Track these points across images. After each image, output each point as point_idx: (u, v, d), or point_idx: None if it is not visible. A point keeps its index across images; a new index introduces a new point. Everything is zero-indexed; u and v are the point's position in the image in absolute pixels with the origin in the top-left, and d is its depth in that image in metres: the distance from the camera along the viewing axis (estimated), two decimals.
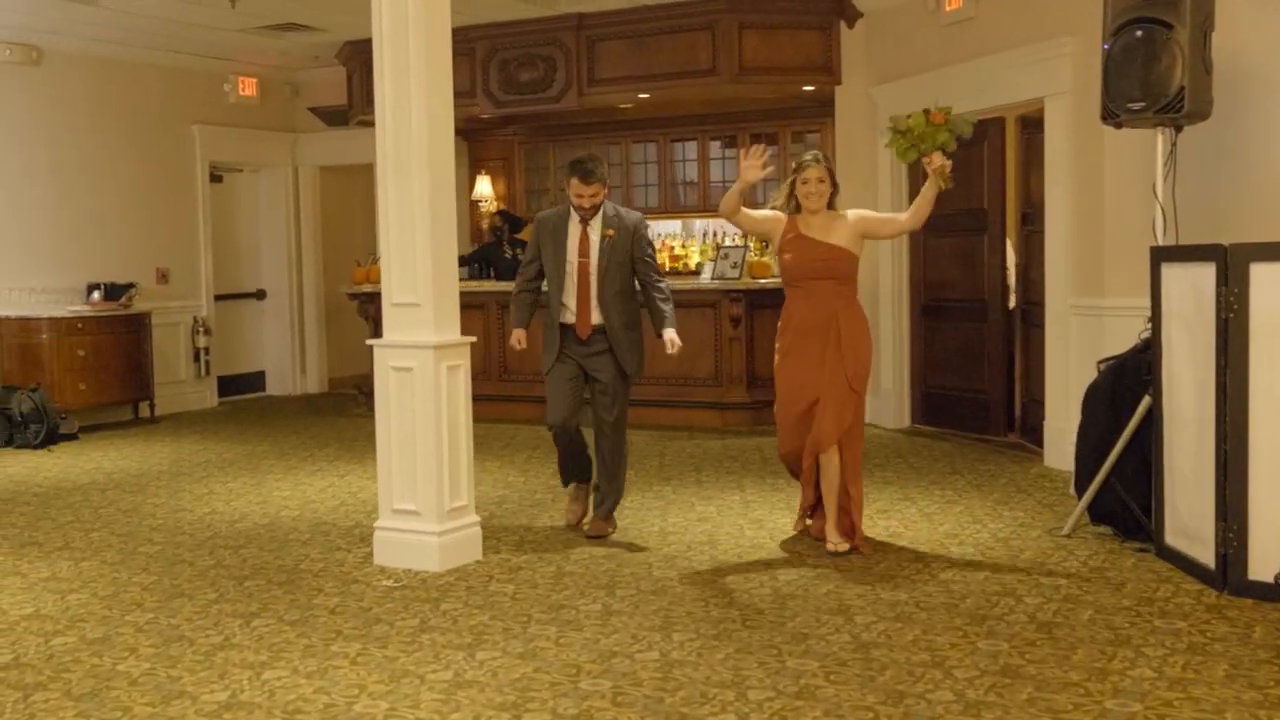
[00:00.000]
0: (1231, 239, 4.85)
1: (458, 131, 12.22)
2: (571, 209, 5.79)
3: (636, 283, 5.89)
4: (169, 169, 11.39)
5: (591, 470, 6.10)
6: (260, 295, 12.71)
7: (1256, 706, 3.57)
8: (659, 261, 6.27)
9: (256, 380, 12.79)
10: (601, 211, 5.78)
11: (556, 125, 11.77)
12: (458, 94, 10.28)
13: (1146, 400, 5.41)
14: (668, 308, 5.81)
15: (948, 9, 8.38)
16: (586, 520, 6.02)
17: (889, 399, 9.38)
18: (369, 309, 10.95)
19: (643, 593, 4.93)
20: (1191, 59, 5.40)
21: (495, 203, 12.63)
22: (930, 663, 4.00)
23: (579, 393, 5.82)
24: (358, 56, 11.08)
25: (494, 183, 12.73)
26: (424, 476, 5.35)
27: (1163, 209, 5.74)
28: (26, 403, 9.39)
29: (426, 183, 5.38)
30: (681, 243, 12.00)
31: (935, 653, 4.10)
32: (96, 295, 10.46)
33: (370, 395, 10.50)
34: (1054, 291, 7.56)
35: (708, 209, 11.34)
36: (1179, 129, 5.73)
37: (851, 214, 5.70)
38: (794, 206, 5.60)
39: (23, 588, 5.23)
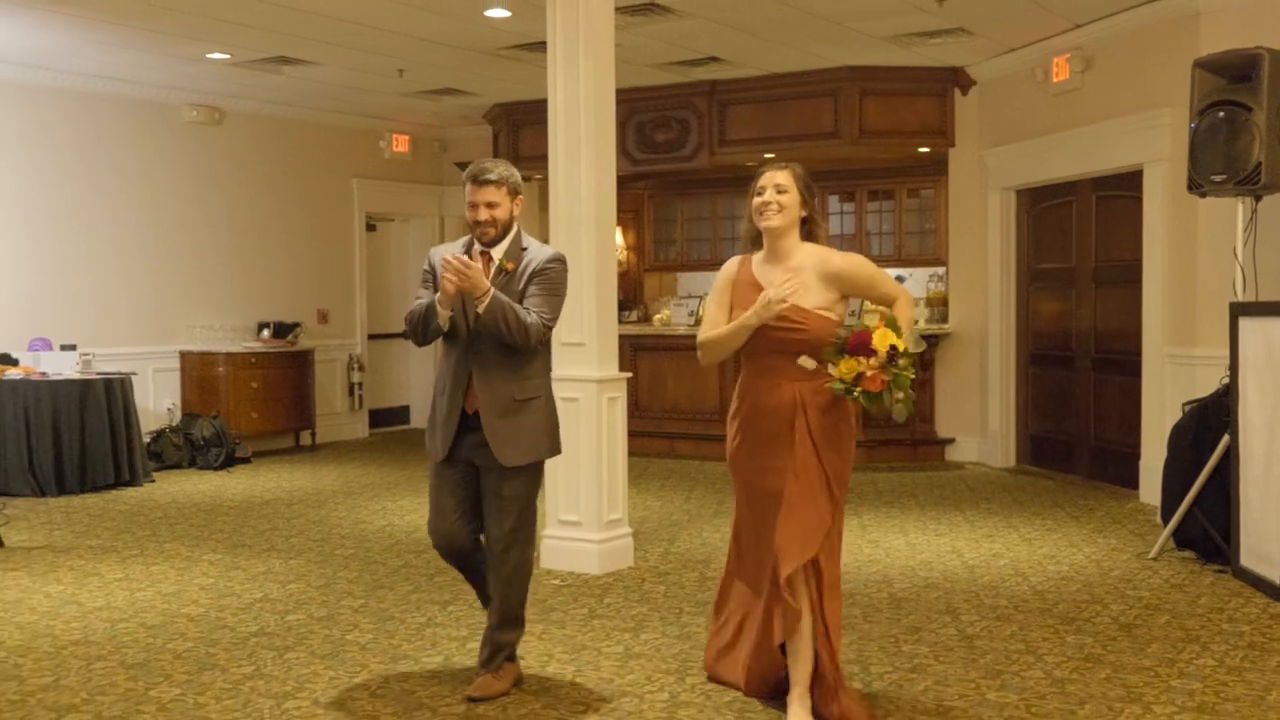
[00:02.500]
0: None
1: None
2: (476, 244, 4.26)
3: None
4: (330, 219, 12.56)
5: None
6: (407, 335, 13.79)
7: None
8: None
9: (403, 413, 13.85)
10: (510, 239, 4.24)
11: (685, 180, 12.67)
12: None
13: (1225, 439, 6.07)
14: (521, 314, 4.10)
15: (1055, 80, 9.10)
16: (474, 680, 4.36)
17: (996, 440, 10.05)
18: None
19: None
20: (1268, 137, 6.09)
21: (626, 252, 13.59)
22: (1024, 650, 4.74)
23: (469, 494, 4.29)
24: (504, 117, 12.14)
25: (624, 233, 13.68)
26: (586, 492, 6.23)
27: (1242, 269, 6.41)
28: (208, 428, 10.51)
29: (593, 239, 6.30)
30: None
31: (1029, 643, 4.83)
32: (266, 333, 11.60)
33: None
34: (1150, 342, 8.21)
35: None
36: (1259, 198, 6.41)
37: (838, 260, 3.97)
38: (756, 241, 4.09)
39: (248, 579, 6.20)
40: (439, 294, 4.10)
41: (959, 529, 7.32)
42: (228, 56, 9.57)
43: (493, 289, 4.08)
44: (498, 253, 4.24)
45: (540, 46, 9.14)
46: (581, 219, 6.33)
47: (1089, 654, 4.70)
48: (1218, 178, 6.26)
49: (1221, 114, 6.22)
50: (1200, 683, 4.33)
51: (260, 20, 8.35)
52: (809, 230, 4.02)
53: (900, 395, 3.74)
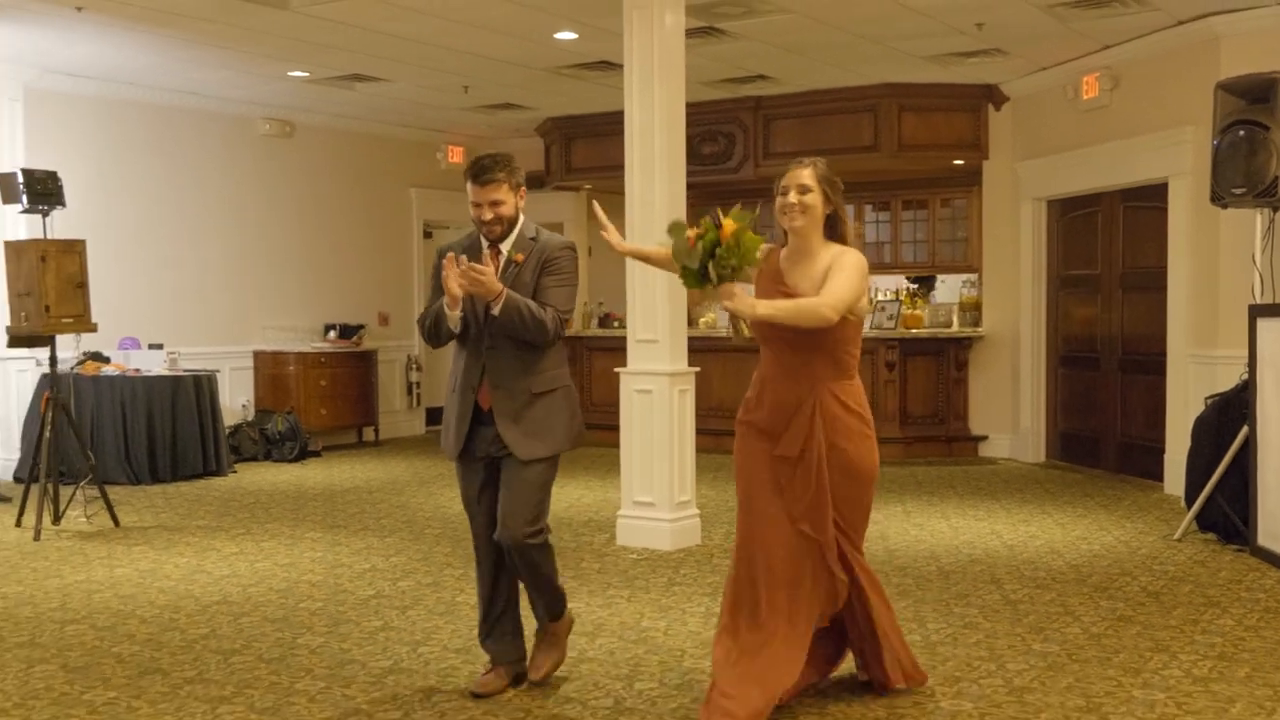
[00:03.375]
0: None
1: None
2: (483, 238, 4.28)
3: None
4: (390, 227, 13.23)
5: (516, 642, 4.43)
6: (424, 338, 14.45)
7: None
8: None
9: None
10: (518, 232, 4.26)
11: (727, 190, 13.27)
12: None
13: (1244, 430, 6.65)
14: (537, 311, 4.08)
15: (1085, 97, 9.68)
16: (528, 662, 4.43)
17: (1027, 437, 10.63)
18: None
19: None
20: None
21: None
22: (1063, 612, 5.33)
23: (495, 490, 4.26)
24: (557, 131, 12.78)
25: None
26: (659, 476, 6.85)
27: (1260, 274, 6.99)
28: (283, 423, 11.17)
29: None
30: None
31: (1067, 606, 5.43)
32: (333, 334, 12.27)
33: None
34: (1174, 343, 8.78)
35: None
36: (1276, 209, 6.98)
37: (851, 256, 3.96)
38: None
39: (352, 552, 6.84)
40: (446, 296, 4.05)
41: (996, 515, 7.90)
42: (307, 74, 10.24)
43: (505, 290, 4.02)
44: (506, 246, 4.22)
45: (599, 65, 9.87)
46: (654, 227, 6.94)
47: (1120, 615, 5.30)
48: (1238, 190, 6.84)
49: (1241, 132, 6.80)
50: (1220, 638, 4.92)
51: (344, 42, 9.01)
52: (835, 228, 4.01)
53: (702, 274, 3.71)
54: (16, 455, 9.77)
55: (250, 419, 11.43)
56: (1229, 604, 5.48)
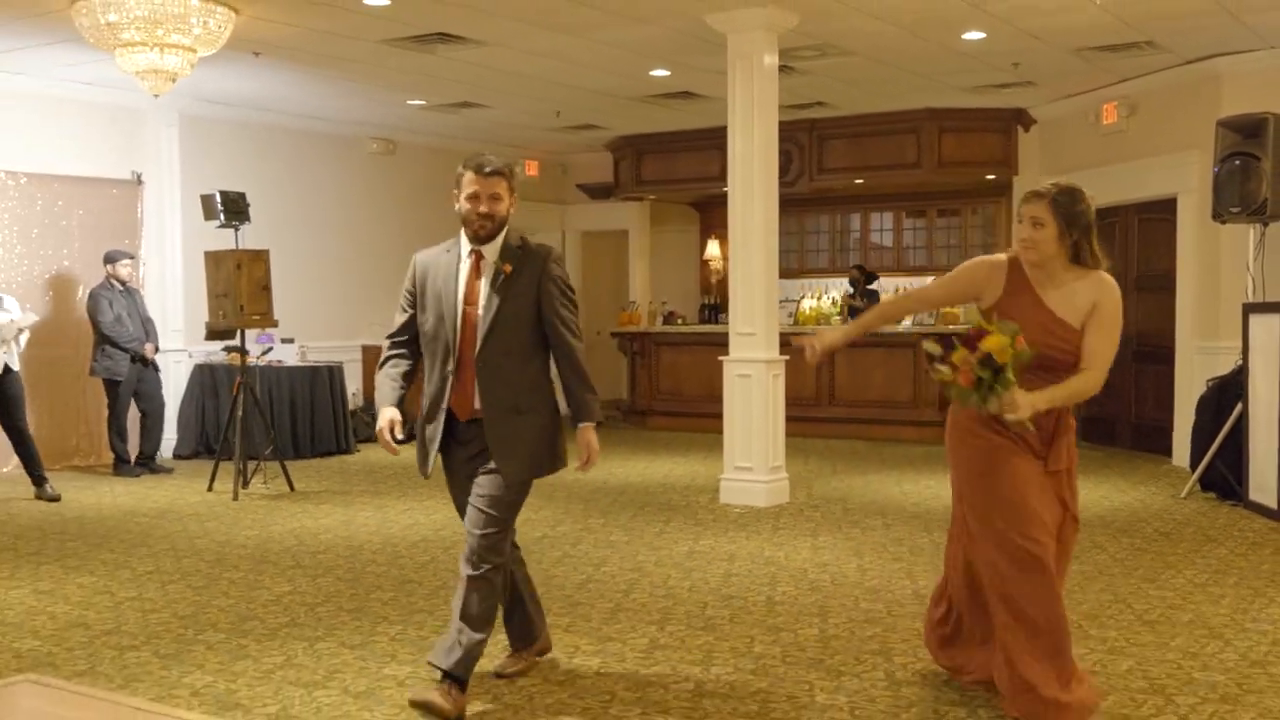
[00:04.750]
0: None
1: (690, 203, 15.52)
2: (462, 244, 4.15)
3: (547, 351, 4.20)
4: None
5: (534, 625, 4.58)
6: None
7: (1270, 576, 6.31)
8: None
9: None
10: (503, 240, 4.14)
11: (785, 201, 14.68)
12: (707, 180, 13.46)
13: (1239, 406, 8.11)
14: (588, 394, 4.16)
15: (1105, 122, 11.13)
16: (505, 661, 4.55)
17: None
18: (629, 344, 14.13)
19: (908, 518, 7.80)
20: (1273, 180, 8.13)
21: (724, 262, 15.69)
22: (1092, 547, 6.81)
23: None
24: (628, 146, 14.26)
25: (722, 246, 15.78)
26: (757, 445, 8.32)
27: (1252, 278, 8.46)
28: None
29: (762, 254, 8.38)
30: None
31: (1095, 542, 6.90)
32: None
33: (627, 414, 13.60)
34: (1182, 336, 10.23)
35: (900, 269, 14.21)
36: (1265, 225, 8.44)
37: (1113, 301, 4.04)
38: None
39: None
40: (379, 426, 4.10)
41: None
42: (424, 102, 11.73)
43: (592, 438, 4.15)
44: (490, 250, 4.09)
45: (682, 95, 11.34)
46: (754, 238, 8.41)
47: (1138, 548, 6.78)
48: (1235, 210, 8.31)
49: (1237, 162, 8.27)
50: (1216, 560, 6.40)
51: (468, 78, 10.48)
52: (1079, 255, 3.99)
53: (984, 399, 3.78)
54: (175, 435, 11.26)
55: (361, 405, 12.91)
56: (1224, 539, 6.95)
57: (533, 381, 4.12)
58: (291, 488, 9.17)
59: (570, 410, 4.19)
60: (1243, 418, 8.06)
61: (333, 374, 11.63)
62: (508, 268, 4.07)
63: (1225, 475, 8.24)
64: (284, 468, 9.31)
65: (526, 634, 4.54)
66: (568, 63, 9.93)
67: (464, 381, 4.07)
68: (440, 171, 14.18)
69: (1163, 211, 10.59)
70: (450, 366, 4.08)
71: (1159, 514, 7.88)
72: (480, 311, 4.05)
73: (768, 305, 8.46)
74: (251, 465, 9.25)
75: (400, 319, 4.27)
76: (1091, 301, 3.98)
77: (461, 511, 4.20)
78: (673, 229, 15.96)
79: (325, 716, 4.10)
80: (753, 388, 8.37)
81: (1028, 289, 4.02)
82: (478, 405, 4.07)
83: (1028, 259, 4.01)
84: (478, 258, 4.11)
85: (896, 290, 13.92)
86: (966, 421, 4.07)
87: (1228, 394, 8.36)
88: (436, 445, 4.12)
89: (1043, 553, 3.89)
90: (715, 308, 15.08)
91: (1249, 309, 8.12)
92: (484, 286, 4.06)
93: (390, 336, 4.30)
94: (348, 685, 4.44)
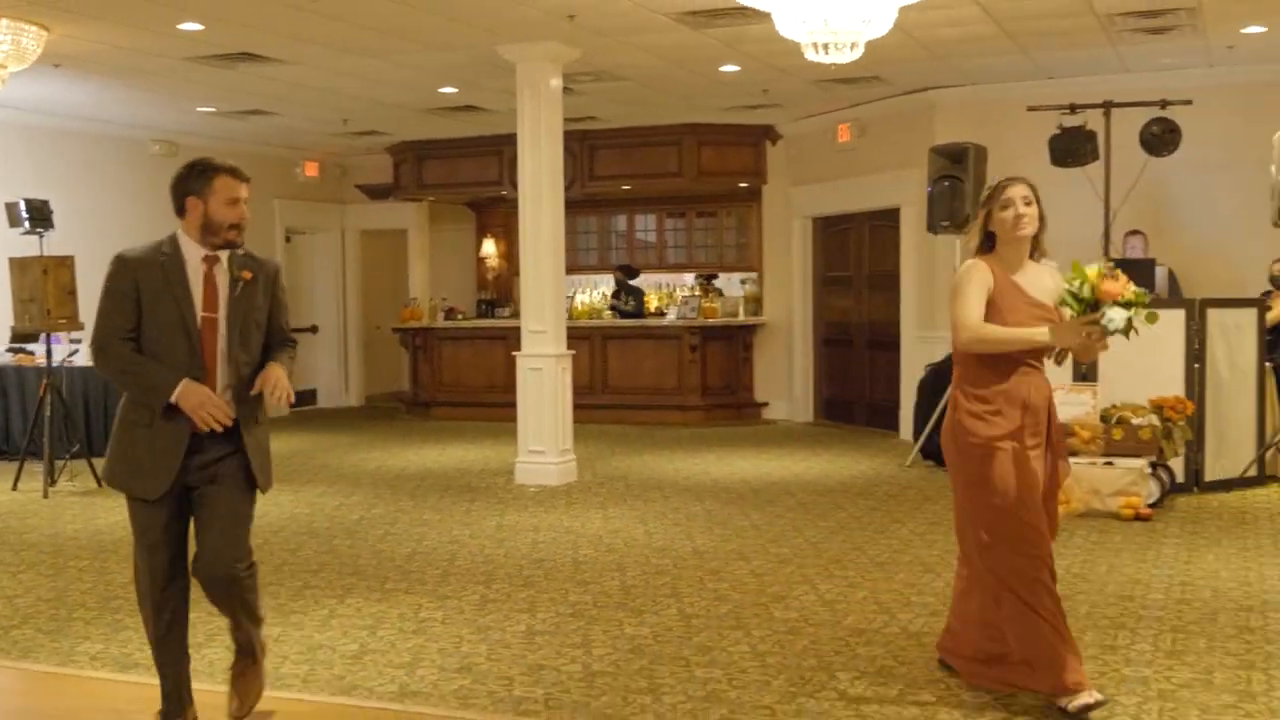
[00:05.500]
0: None
1: (466, 204, 16.40)
2: (183, 244, 3.99)
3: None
4: (258, 234, 15.13)
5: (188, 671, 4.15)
6: (314, 329, 16.46)
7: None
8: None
9: (309, 396, 16.51)
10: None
11: None
12: (485, 184, 14.40)
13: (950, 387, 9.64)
14: (289, 361, 4.11)
15: (840, 140, 12.64)
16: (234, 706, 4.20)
17: (799, 401, 13.60)
18: (411, 340, 14.94)
19: (682, 490, 8.99)
20: (973, 197, 9.68)
21: (498, 259, 16.65)
22: (836, 507, 8.16)
23: (185, 525, 4.01)
24: (409, 151, 15.02)
25: (496, 244, 16.74)
26: (548, 430, 9.36)
27: None
28: None
29: (549, 260, 9.41)
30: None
31: (838, 504, 8.26)
32: None
33: (410, 406, 14.41)
34: (906, 327, 11.84)
35: (662, 265, 15.49)
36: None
37: (1053, 267, 4.41)
38: (987, 245, 4.33)
39: (328, 499, 9.07)
40: (180, 391, 3.81)
41: (782, 457, 10.75)
42: (214, 109, 12.21)
43: (279, 373, 3.97)
44: (223, 262, 3.98)
45: (465, 109, 12.23)
46: (542, 244, 9.42)
47: (871, 507, 8.17)
48: (944, 223, 9.85)
49: (946, 184, 9.81)
50: (932, 515, 7.85)
51: (265, 90, 11.07)
52: (1038, 241, 4.32)
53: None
54: None
55: None
56: (939, 499, 8.42)
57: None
58: (99, 484, 9.63)
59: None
60: None
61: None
62: (247, 275, 3.99)
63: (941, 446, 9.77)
64: (91, 465, 9.75)
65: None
66: (365, 81, 10.68)
67: (209, 388, 3.87)
68: None
69: (889, 220, 12.18)
70: (191, 375, 3.85)
71: (888, 480, 9.35)
72: (221, 319, 3.92)
73: (556, 305, 9.50)
74: (58, 464, 9.67)
75: (125, 320, 3.89)
76: (1055, 284, 4.26)
77: (156, 538, 3.92)
78: (450, 228, 16.78)
79: (218, 669, 4.90)
80: (544, 379, 9.40)
81: (1009, 282, 4.26)
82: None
83: (1025, 232, 4.24)
84: (214, 261, 3.97)
85: (670, 291, 15.20)
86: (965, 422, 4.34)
87: (942, 377, 9.89)
88: (179, 459, 3.85)
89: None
90: (492, 303, 16.04)
91: None
92: (223, 293, 3.94)
93: (119, 335, 3.89)
94: (229, 644, 5.23)
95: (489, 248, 16.73)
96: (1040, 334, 4.14)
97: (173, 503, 3.92)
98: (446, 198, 15.82)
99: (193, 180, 3.99)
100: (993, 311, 4.20)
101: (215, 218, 3.95)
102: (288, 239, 15.89)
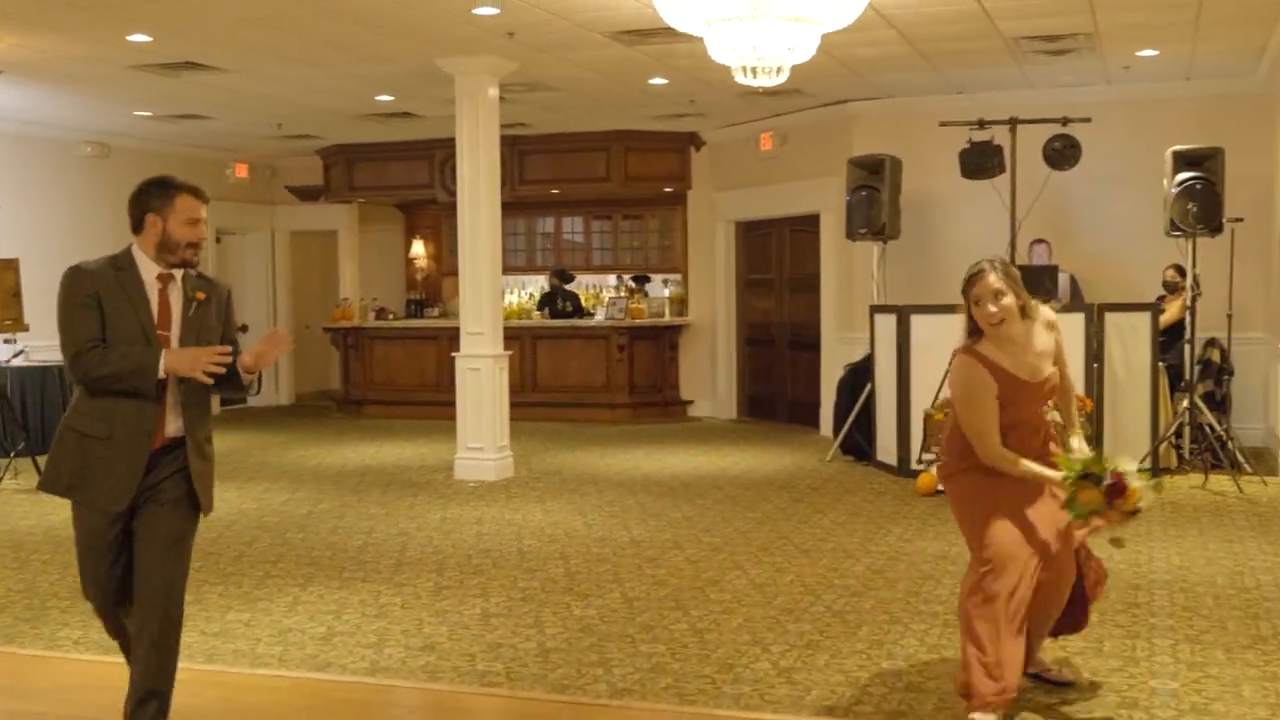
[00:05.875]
0: (914, 301, 9.72)
1: (395, 205, 16.70)
2: (138, 260, 4.01)
3: None
4: None
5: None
6: (244, 329, 16.62)
7: (896, 509, 8.31)
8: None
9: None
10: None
11: None
12: (416, 186, 14.76)
13: (869, 386, 10.22)
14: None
15: (762, 149, 13.17)
16: None
17: (723, 399, 14.13)
18: (342, 339, 15.22)
19: (615, 484, 9.44)
20: (889, 208, 10.29)
21: (428, 260, 16.97)
22: (761, 499, 8.67)
23: (127, 543, 4.00)
24: (340, 154, 15.27)
25: (425, 245, 17.06)
26: (486, 426, 9.75)
27: (877, 285, 10.62)
28: None
29: (487, 265, 9.81)
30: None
31: (764, 495, 8.78)
32: None
33: (341, 405, 14.70)
34: (826, 328, 12.42)
35: (589, 267, 15.92)
36: (885, 242, 10.61)
37: (1057, 336, 4.44)
38: (977, 332, 4.31)
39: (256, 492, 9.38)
40: (167, 361, 3.83)
41: (709, 453, 11.25)
42: (150, 114, 12.40)
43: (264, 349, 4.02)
44: (177, 280, 4.00)
45: (400, 115, 12.56)
46: (481, 250, 9.81)
47: (795, 499, 8.70)
48: (862, 231, 10.42)
49: (864, 193, 10.38)
50: (852, 505, 8.39)
51: (205, 96, 11.30)
52: (1024, 310, 4.29)
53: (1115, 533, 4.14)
54: None
55: None
56: (858, 490, 8.98)
57: (208, 408, 4.08)
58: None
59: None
60: (871, 396, 10.18)
61: (60, 374, 12.15)
62: (201, 295, 4.02)
63: (860, 442, 10.35)
64: (35, 463, 9.94)
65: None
66: (304, 89, 10.97)
67: (162, 407, 3.91)
68: (150, 171, 14.63)
69: (809, 225, 12.74)
70: (156, 397, 3.88)
71: (810, 473, 9.89)
72: (175, 338, 3.94)
73: (493, 308, 9.90)
74: (2, 463, 9.86)
75: (90, 328, 3.87)
76: (1053, 339, 4.37)
77: (100, 549, 3.96)
78: (379, 229, 17.06)
79: (201, 649, 5.25)
80: (482, 379, 9.79)
81: (1006, 375, 4.27)
82: (173, 431, 3.94)
83: (1002, 332, 4.25)
84: (169, 279, 3.99)
85: (600, 293, 15.59)
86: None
87: (860, 376, 10.48)
88: (138, 475, 3.88)
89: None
90: (421, 303, 16.35)
91: (874, 310, 10.25)
92: (176, 311, 3.96)
93: (89, 344, 3.87)
94: (202, 628, 5.59)
95: (418, 249, 17.04)
96: (1052, 478, 4.23)
97: (123, 516, 3.94)
98: (376, 199, 16.11)
99: (153, 197, 4.00)
100: (1000, 409, 4.24)
101: (174, 236, 3.96)
102: (218, 239, 16.06)
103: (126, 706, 3.96)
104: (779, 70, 6.98)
